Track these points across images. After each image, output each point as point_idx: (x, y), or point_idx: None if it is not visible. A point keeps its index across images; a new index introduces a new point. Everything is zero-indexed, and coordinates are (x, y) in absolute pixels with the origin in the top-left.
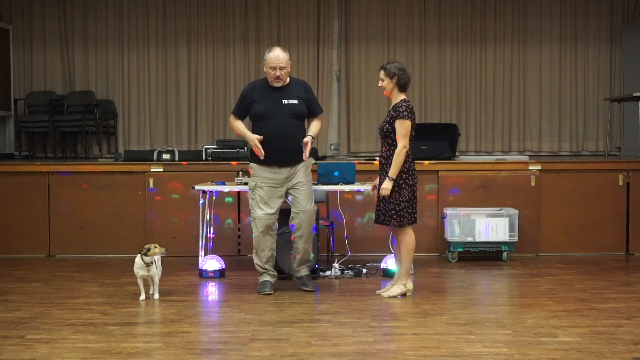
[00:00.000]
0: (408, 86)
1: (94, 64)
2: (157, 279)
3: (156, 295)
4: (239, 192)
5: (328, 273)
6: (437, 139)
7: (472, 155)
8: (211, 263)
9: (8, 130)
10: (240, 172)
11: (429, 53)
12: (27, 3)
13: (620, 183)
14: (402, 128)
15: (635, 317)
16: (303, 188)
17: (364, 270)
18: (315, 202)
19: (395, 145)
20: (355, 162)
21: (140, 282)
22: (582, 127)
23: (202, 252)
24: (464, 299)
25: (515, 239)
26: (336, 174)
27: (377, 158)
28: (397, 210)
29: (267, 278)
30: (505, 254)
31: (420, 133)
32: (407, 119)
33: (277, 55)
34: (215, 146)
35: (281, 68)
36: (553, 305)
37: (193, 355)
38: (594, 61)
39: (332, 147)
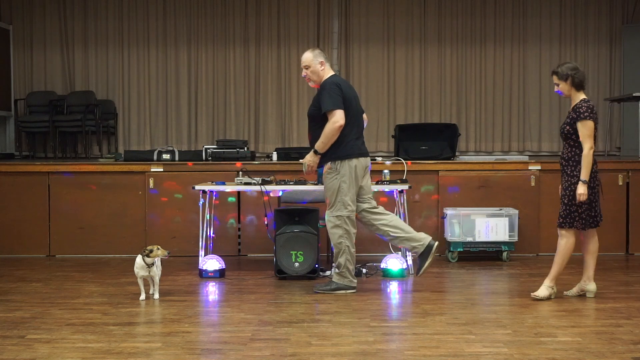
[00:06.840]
0: (585, 84)
1: (94, 64)
2: (157, 279)
3: (156, 295)
4: (239, 192)
5: (328, 273)
6: (437, 139)
7: (472, 155)
8: (211, 263)
9: (8, 130)
10: (240, 172)
11: (429, 53)
12: (27, 3)
13: (620, 183)
14: (586, 129)
15: (635, 317)
16: None
17: (364, 270)
18: (315, 202)
19: (576, 147)
20: None
21: (140, 282)
22: None
23: (202, 252)
24: (464, 299)
25: (515, 239)
26: None
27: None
28: (579, 213)
29: None
30: (505, 254)
31: (420, 133)
32: (589, 119)
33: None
34: (215, 146)
35: (306, 67)
36: (553, 305)
37: (193, 355)
38: (594, 61)
39: None
